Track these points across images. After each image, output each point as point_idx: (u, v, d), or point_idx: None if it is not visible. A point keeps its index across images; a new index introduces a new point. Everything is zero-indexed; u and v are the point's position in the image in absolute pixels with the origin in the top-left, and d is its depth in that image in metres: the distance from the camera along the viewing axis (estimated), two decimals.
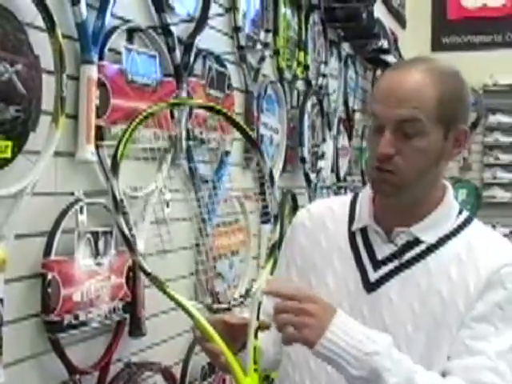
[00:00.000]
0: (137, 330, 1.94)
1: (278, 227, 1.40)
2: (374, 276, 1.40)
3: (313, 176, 3.41)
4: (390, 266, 1.39)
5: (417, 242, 1.39)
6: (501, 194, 6.84)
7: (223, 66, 2.45)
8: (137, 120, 1.25)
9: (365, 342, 1.23)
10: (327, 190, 3.80)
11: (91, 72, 1.72)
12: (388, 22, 5.63)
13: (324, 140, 3.62)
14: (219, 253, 2.45)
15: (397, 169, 1.33)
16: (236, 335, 1.30)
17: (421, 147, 1.32)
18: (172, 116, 2.08)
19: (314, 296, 1.27)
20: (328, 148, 3.72)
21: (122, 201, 1.20)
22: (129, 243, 1.20)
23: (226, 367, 1.27)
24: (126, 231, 1.19)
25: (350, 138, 4.48)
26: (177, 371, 2.22)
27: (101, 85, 1.77)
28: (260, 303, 1.30)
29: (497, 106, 6.84)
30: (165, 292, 1.23)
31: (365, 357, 1.21)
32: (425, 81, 1.32)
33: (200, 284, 2.34)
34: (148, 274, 1.22)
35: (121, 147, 1.22)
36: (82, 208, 1.73)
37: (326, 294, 1.41)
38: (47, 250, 1.61)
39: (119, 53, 1.88)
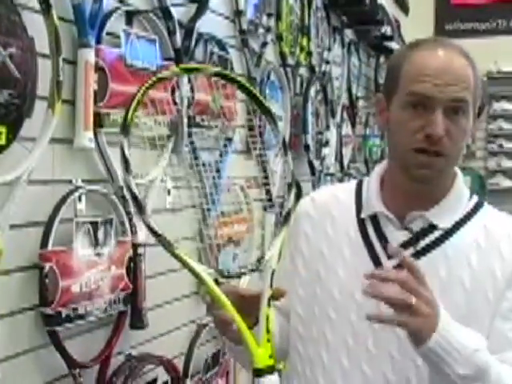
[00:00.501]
0: (138, 322, 1.89)
1: (293, 195, 1.35)
2: (388, 264, 1.34)
3: (317, 164, 3.35)
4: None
5: (432, 227, 1.35)
6: (505, 183, 6.78)
7: (225, 50, 2.38)
8: (147, 84, 1.22)
9: (469, 339, 1.20)
10: (331, 178, 3.74)
11: (89, 56, 1.66)
12: (391, 8, 5.57)
13: (328, 127, 3.56)
14: (222, 243, 2.39)
15: (445, 150, 1.29)
16: (249, 308, 1.25)
17: (465, 128, 1.31)
18: (174, 102, 2.03)
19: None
20: (332, 136, 3.66)
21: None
22: (138, 203, 1.17)
23: (237, 337, 1.22)
24: (136, 191, 1.17)
25: (353, 125, 4.42)
26: (179, 364, 2.17)
27: (99, 69, 1.71)
28: (273, 271, 1.26)
29: (501, 93, 6.77)
30: (174, 255, 1.18)
31: (471, 353, 1.19)
32: (466, 63, 1.31)
33: None
34: (157, 235, 1.17)
35: (132, 106, 1.20)
36: (80, 196, 1.68)
37: (337, 284, 1.38)
38: (44, 241, 1.56)
39: (118, 36, 1.81)
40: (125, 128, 1.21)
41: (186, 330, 2.26)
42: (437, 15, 7.05)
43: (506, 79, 6.68)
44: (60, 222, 1.59)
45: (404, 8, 6.44)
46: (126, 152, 1.19)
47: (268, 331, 1.22)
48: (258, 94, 1.38)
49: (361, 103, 4.66)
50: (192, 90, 2.13)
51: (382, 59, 5.15)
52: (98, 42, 1.71)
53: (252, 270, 1.27)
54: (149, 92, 1.26)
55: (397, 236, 1.36)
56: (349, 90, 4.35)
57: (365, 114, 4.77)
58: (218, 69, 1.42)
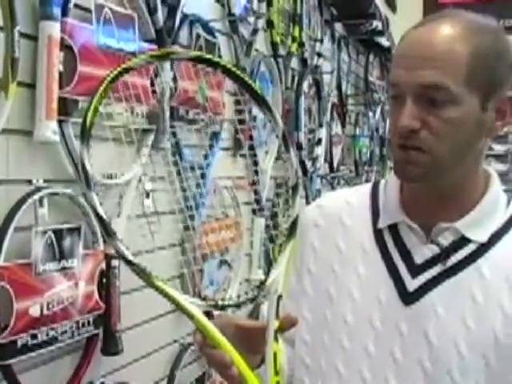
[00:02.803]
0: (112, 346, 1.61)
1: (298, 201, 1.13)
2: (412, 284, 1.13)
3: (309, 164, 3.09)
4: (433, 271, 1.13)
5: (464, 241, 1.13)
6: None
7: (212, 35, 2.11)
8: (112, 74, 1.02)
9: None
10: (322, 180, 3.49)
11: (53, 30, 1.38)
12: (379, 4, 5.35)
13: (321, 125, 3.30)
14: (207, 251, 2.13)
15: (426, 145, 1.06)
16: (251, 344, 1.03)
17: (452, 118, 1.05)
18: (154, 91, 1.75)
19: None
20: (323, 134, 3.40)
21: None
22: (105, 225, 0.97)
23: (239, 381, 0.99)
24: (101, 211, 0.96)
25: (343, 125, 4.19)
26: None
27: (65, 47, 1.43)
28: (280, 297, 1.04)
29: None
30: (154, 286, 0.98)
31: None
32: (454, 35, 1.05)
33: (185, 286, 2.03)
34: (131, 264, 0.97)
35: (91, 109, 0.98)
36: (41, 199, 1.40)
37: (351, 307, 1.16)
38: None
39: (88, 10, 1.53)
40: (84, 134, 0.98)
41: (167, 352, 1.99)
42: (425, 13, 6.87)
43: None
44: (16, 231, 1.32)
45: (392, 5, 6.25)
46: (87, 164, 0.97)
47: (277, 373, 1.00)
48: (248, 81, 1.15)
49: (350, 102, 4.43)
50: (175, 77, 1.86)
51: (371, 57, 4.92)
52: (64, 14, 1.43)
53: (252, 299, 1.04)
54: (117, 81, 1.05)
55: (422, 250, 1.14)
56: (339, 87, 4.11)
57: (354, 113, 4.55)
58: (197, 52, 1.18)
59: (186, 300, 0.98)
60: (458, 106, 1.05)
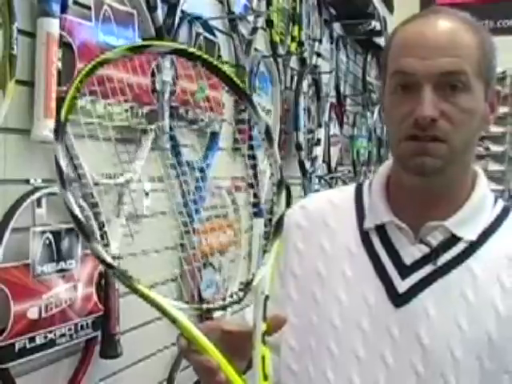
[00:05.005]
0: (110, 350, 1.59)
1: (283, 198, 1.07)
2: (402, 286, 1.09)
3: (308, 164, 3.06)
4: (423, 271, 1.09)
5: (453, 239, 1.10)
6: (491, 187, 6.59)
7: (212, 33, 2.09)
8: (85, 70, 0.93)
9: None
10: (320, 181, 3.46)
11: (51, 27, 1.35)
12: (377, 5, 5.33)
13: (320, 125, 3.27)
14: (206, 252, 2.10)
15: (444, 135, 1.03)
16: (238, 348, 0.97)
17: (468, 107, 1.04)
18: (154, 90, 1.73)
19: None
20: (322, 134, 3.38)
21: (68, 174, 0.90)
22: (81, 227, 0.89)
23: None
24: (76, 210, 0.88)
25: (341, 125, 4.16)
26: None
27: (64, 45, 1.40)
28: (267, 298, 0.99)
29: None
30: (136, 290, 0.90)
31: None
32: (463, 27, 1.05)
33: (185, 289, 2.00)
34: (110, 267, 0.90)
35: (66, 104, 0.92)
36: (39, 200, 1.37)
37: (338, 310, 1.12)
38: None
39: (87, 7, 1.51)
40: (58, 129, 0.91)
41: (166, 355, 1.96)
42: None
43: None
44: (13, 232, 1.29)
45: (389, 6, 6.23)
46: (61, 162, 0.89)
47: (266, 377, 0.95)
48: (230, 74, 1.08)
49: (348, 102, 4.41)
50: (175, 75, 1.83)
51: (369, 57, 4.90)
52: (63, 11, 1.40)
53: (238, 301, 0.98)
54: (93, 75, 0.96)
55: (411, 251, 1.11)
56: (337, 87, 4.09)
57: (352, 113, 4.53)
58: (175, 45, 1.13)
59: (168, 304, 0.92)
60: (471, 94, 1.04)
